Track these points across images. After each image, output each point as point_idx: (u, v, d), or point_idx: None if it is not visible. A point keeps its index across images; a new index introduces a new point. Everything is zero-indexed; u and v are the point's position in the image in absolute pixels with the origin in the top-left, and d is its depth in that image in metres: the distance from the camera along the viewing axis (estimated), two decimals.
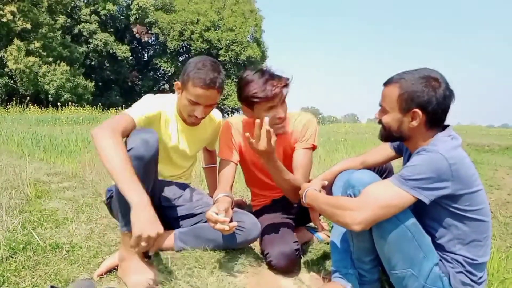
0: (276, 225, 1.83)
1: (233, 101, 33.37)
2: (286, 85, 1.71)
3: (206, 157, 2.25)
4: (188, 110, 1.70)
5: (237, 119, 1.98)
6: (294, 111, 1.96)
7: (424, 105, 1.26)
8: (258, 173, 2.01)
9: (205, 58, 1.69)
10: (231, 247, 1.77)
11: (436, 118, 1.29)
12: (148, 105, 1.66)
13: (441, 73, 1.30)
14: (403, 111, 1.31)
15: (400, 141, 1.44)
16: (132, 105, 1.64)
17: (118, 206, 1.47)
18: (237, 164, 1.89)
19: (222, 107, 35.41)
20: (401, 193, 1.21)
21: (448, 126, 1.33)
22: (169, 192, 1.86)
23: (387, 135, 1.39)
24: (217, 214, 1.49)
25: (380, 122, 1.39)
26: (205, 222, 1.76)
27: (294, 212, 1.99)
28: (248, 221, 1.72)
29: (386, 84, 1.35)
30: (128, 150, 1.44)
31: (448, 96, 1.27)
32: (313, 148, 1.87)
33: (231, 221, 1.54)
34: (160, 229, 1.24)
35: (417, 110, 1.28)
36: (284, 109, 1.75)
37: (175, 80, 1.77)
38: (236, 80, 1.77)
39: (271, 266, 1.69)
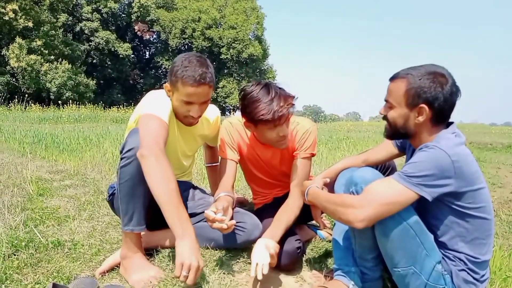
0: None
1: (235, 99, 33.31)
2: (291, 105, 1.66)
3: (208, 155, 2.24)
4: (183, 111, 1.64)
5: (237, 119, 1.98)
6: (294, 116, 1.94)
7: (431, 101, 1.26)
8: (258, 172, 2.00)
9: (190, 54, 1.62)
10: (231, 247, 1.77)
11: (442, 115, 1.28)
12: (166, 104, 1.62)
13: (447, 70, 1.29)
14: (409, 106, 1.30)
15: (405, 138, 1.42)
16: (151, 102, 1.58)
17: (121, 205, 1.46)
18: (237, 163, 1.88)
19: (224, 105, 35.39)
20: (404, 190, 1.20)
21: (452, 123, 1.32)
22: None
23: (392, 131, 1.38)
24: (215, 213, 1.48)
25: (385, 118, 1.38)
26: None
27: None
28: (249, 222, 1.71)
29: (393, 79, 1.34)
30: (129, 150, 1.44)
31: (454, 93, 1.26)
32: (312, 156, 1.87)
33: (232, 219, 1.54)
34: (202, 260, 1.30)
35: (423, 105, 1.27)
36: (288, 125, 1.72)
37: None
38: (241, 95, 1.71)
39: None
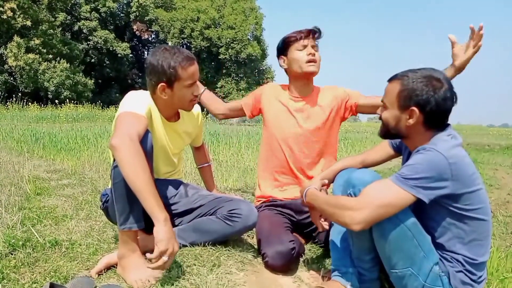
0: (273, 225, 1.82)
1: (233, 99, 33.29)
2: (317, 33, 1.94)
3: (197, 156, 2.23)
4: (188, 97, 1.68)
5: (277, 86, 2.13)
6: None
7: (422, 104, 1.26)
8: (282, 139, 2.01)
9: (158, 48, 1.66)
10: (231, 236, 1.77)
11: (434, 119, 1.28)
12: (144, 100, 1.64)
13: (445, 74, 1.29)
14: (401, 108, 1.30)
15: (398, 138, 1.44)
16: (126, 102, 1.59)
17: (117, 205, 1.46)
18: (246, 115, 2.16)
19: None
20: (401, 193, 1.20)
21: (448, 125, 1.33)
22: (166, 190, 1.86)
23: (385, 131, 1.39)
24: None
25: (381, 118, 1.39)
26: (204, 215, 1.76)
27: (298, 216, 1.98)
28: (245, 208, 1.72)
29: (390, 80, 1.36)
30: None
31: (449, 98, 1.26)
32: None
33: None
34: (177, 244, 1.37)
35: (414, 108, 1.27)
36: (316, 51, 1.94)
37: None
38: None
39: (268, 266, 1.69)
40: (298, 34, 1.92)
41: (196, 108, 1.96)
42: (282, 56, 2.00)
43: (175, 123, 1.83)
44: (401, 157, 1.61)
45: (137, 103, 1.59)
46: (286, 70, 2.04)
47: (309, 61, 1.91)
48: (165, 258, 1.31)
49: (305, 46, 1.91)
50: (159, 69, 1.61)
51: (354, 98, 2.01)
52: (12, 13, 23.28)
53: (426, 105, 1.26)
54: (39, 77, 24.69)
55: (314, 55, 1.91)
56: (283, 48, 1.97)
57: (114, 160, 1.46)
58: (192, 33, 35.01)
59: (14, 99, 18.69)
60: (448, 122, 1.33)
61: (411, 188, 1.20)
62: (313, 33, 1.93)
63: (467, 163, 1.23)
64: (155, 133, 1.74)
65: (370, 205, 1.22)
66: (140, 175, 1.33)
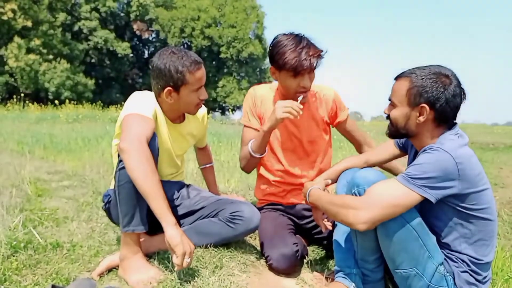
0: (277, 227, 1.81)
1: (234, 99, 33.27)
2: (319, 56, 1.70)
3: (200, 156, 2.21)
4: (194, 101, 1.67)
5: (263, 89, 1.96)
6: (316, 84, 1.90)
7: (433, 101, 1.25)
8: (279, 150, 1.93)
9: (166, 49, 1.63)
10: (233, 239, 1.76)
11: (444, 116, 1.28)
12: (149, 102, 1.63)
13: (454, 71, 1.28)
14: (411, 105, 1.29)
15: (406, 137, 1.42)
16: (132, 103, 1.58)
17: (120, 206, 1.45)
18: (259, 131, 1.87)
19: (223, 105, 35.36)
20: (407, 192, 1.19)
21: (455, 124, 1.32)
22: (168, 191, 1.84)
23: (394, 130, 1.38)
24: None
25: (388, 117, 1.38)
26: (206, 217, 1.75)
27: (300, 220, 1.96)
28: (247, 210, 1.70)
29: (397, 78, 1.35)
30: None
31: (458, 95, 1.26)
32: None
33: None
34: (192, 243, 1.39)
35: (425, 105, 1.26)
36: (310, 79, 1.74)
37: None
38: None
39: (272, 269, 1.68)
40: (296, 63, 1.64)
41: (202, 110, 1.93)
42: (273, 68, 1.76)
43: (180, 124, 1.81)
44: (405, 157, 1.60)
45: (143, 104, 1.58)
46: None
47: (300, 93, 1.74)
48: (187, 259, 1.34)
49: (299, 75, 1.69)
50: (166, 73, 1.57)
51: (342, 115, 1.92)
52: (12, 14, 23.31)
53: (436, 102, 1.25)
54: (40, 78, 24.71)
55: (305, 88, 1.73)
56: (275, 62, 1.72)
57: (119, 161, 1.45)
58: (192, 32, 34.98)
59: (15, 100, 18.70)
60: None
61: (418, 188, 1.19)
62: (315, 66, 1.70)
63: (474, 162, 1.23)
64: (159, 135, 1.72)
65: (376, 205, 1.21)
66: (149, 179, 1.34)
